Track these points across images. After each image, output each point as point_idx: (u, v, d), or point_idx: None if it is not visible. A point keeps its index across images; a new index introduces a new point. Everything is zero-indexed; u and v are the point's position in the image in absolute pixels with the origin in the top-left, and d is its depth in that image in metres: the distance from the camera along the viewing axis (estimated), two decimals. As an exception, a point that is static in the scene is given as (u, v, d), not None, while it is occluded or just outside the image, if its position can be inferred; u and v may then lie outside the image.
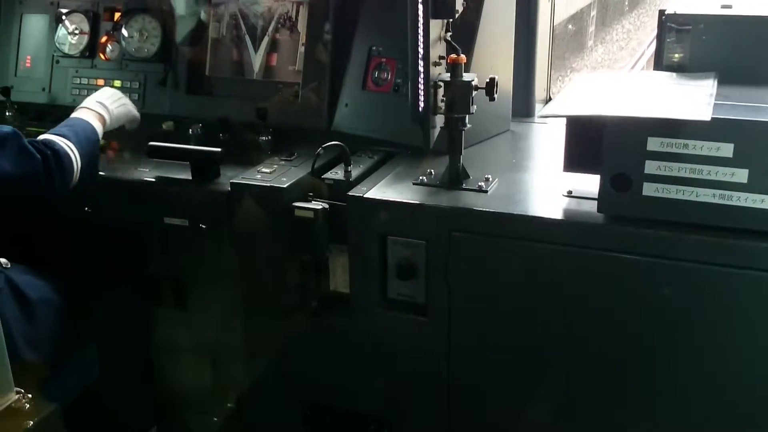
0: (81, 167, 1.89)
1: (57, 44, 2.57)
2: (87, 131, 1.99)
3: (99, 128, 2.05)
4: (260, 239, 1.94)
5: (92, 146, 1.98)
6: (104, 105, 2.11)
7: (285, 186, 1.87)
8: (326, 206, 1.85)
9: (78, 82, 2.54)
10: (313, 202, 1.86)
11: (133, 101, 2.28)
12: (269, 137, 2.18)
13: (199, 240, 2.01)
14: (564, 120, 1.71)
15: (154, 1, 2.45)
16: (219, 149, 1.98)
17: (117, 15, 2.51)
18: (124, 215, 2.10)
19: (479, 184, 1.81)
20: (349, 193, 1.82)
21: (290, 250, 1.90)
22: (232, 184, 1.92)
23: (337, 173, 1.92)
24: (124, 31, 2.48)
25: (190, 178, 2.00)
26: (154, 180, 2.03)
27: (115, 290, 2.14)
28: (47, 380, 1.76)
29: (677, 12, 1.75)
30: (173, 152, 2.05)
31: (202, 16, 2.41)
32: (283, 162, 2.01)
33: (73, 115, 2.06)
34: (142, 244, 2.12)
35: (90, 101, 2.11)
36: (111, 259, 2.14)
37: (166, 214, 2.02)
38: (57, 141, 1.87)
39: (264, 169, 1.96)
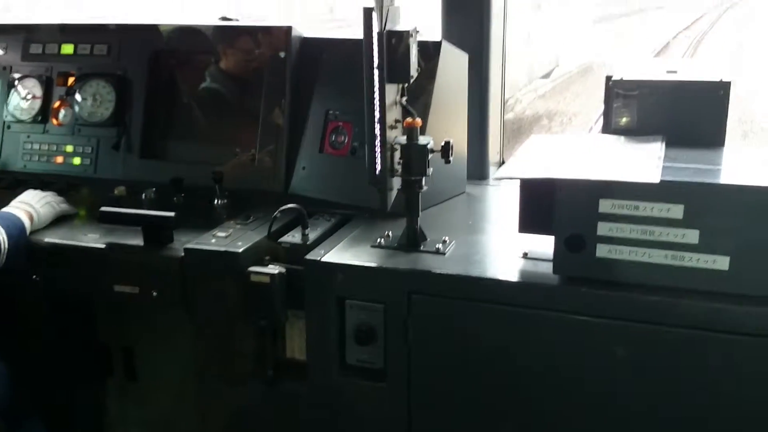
0: (8, 249, 1.87)
1: (9, 110, 2.53)
2: (13, 219, 1.98)
3: (27, 222, 2.02)
4: (214, 306, 1.90)
5: (19, 233, 1.96)
6: (29, 204, 2.08)
7: (240, 250, 1.84)
8: (283, 270, 1.82)
9: (29, 147, 2.49)
10: (269, 266, 1.83)
11: (85, 166, 2.24)
12: (225, 201, 2.16)
13: (150, 308, 1.95)
14: (518, 182, 1.73)
15: (108, 66, 2.44)
16: (172, 213, 1.95)
17: (71, 80, 2.49)
18: (73, 283, 2.03)
19: (437, 246, 1.81)
20: (307, 257, 1.80)
21: (246, 316, 1.86)
22: (185, 249, 1.88)
23: (294, 236, 1.91)
24: (78, 96, 2.45)
25: (143, 243, 1.96)
26: (104, 246, 1.98)
27: (64, 361, 2.06)
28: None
29: (624, 78, 1.81)
30: (125, 217, 2.00)
31: (157, 81, 2.41)
32: (238, 226, 1.99)
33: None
34: (92, 312, 2.05)
35: (13, 203, 2.08)
36: (59, 328, 2.07)
37: (116, 281, 1.96)
38: None
39: (219, 234, 1.93)
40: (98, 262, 1.97)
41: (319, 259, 1.78)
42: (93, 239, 2.01)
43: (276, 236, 1.91)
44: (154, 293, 1.94)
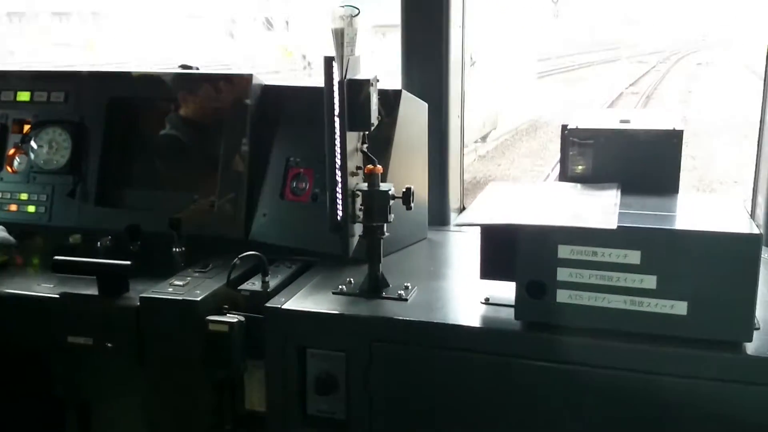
0: None
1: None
2: None
3: None
4: (172, 357, 1.85)
5: None
6: None
7: (198, 299, 1.81)
8: (242, 319, 1.79)
9: (-17, 195, 2.43)
10: (228, 315, 1.79)
11: (39, 214, 2.19)
12: (183, 248, 2.13)
13: (105, 360, 1.89)
14: (479, 228, 1.75)
15: (65, 113, 2.41)
16: (128, 262, 1.91)
17: (26, 127, 2.45)
18: (25, 334, 1.96)
19: (399, 292, 1.81)
20: (267, 305, 1.78)
21: (204, 367, 1.81)
22: (141, 298, 1.84)
23: (254, 284, 1.88)
24: (33, 144, 2.41)
25: (97, 293, 1.91)
26: (57, 296, 1.92)
27: (15, 416, 1.97)
28: None
29: (579, 127, 1.86)
30: (79, 266, 1.96)
31: (116, 127, 2.39)
32: (197, 274, 1.95)
33: None
34: (45, 365, 1.98)
35: None
36: (10, 381, 1.99)
37: (70, 332, 1.91)
38: None
39: (176, 282, 1.90)
40: (51, 313, 1.91)
41: (279, 306, 1.76)
42: (46, 289, 1.95)
43: (235, 284, 1.88)
44: (109, 345, 1.88)
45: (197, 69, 2.41)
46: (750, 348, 1.49)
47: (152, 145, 2.40)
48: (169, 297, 1.83)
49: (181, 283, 1.90)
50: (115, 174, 2.39)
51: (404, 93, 2.14)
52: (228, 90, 2.28)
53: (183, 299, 1.81)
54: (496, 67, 10.75)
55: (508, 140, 12.39)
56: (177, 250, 2.13)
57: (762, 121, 2.16)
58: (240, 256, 1.86)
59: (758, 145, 2.20)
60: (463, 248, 2.25)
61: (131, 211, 2.31)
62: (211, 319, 1.77)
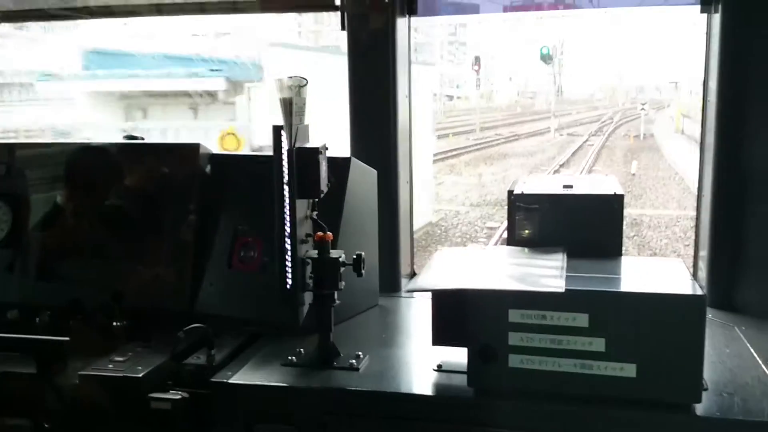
0: None
1: None
2: None
3: None
4: None
5: None
6: None
7: (140, 375, 1.74)
8: (186, 395, 1.72)
9: None
10: (171, 391, 1.73)
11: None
12: (125, 322, 2.05)
13: (41, 442, 1.79)
14: (430, 294, 1.74)
15: (5, 186, 2.35)
16: (66, 338, 1.84)
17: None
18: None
19: (350, 362, 1.78)
20: (213, 379, 1.73)
21: (146, 447, 1.73)
22: (80, 376, 1.77)
23: (199, 358, 1.83)
24: (-29, 216, 2.33)
25: (34, 371, 1.81)
26: (-10, 375, 1.82)
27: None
28: None
29: (524, 192, 1.90)
30: (14, 343, 1.87)
31: (58, 199, 2.33)
32: (139, 349, 1.89)
33: None
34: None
35: None
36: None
37: (5, 413, 1.82)
38: None
39: (117, 358, 1.83)
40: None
41: (226, 381, 1.71)
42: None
43: (179, 358, 1.82)
44: (47, 426, 1.79)
45: (142, 139, 2.39)
46: (699, 409, 1.50)
47: (97, 216, 2.35)
48: (110, 374, 1.76)
49: (122, 358, 1.83)
50: (57, 247, 2.32)
51: (353, 160, 2.16)
52: (175, 160, 2.26)
53: (124, 376, 1.74)
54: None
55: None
56: (118, 324, 2.06)
57: (700, 185, 2.24)
58: (185, 328, 1.81)
59: (697, 206, 2.28)
60: (414, 314, 2.24)
61: (73, 284, 2.23)
62: (153, 397, 1.71)
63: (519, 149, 20.18)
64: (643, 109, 26.35)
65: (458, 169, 16.50)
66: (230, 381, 1.71)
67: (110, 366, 1.79)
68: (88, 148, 2.38)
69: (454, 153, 18.20)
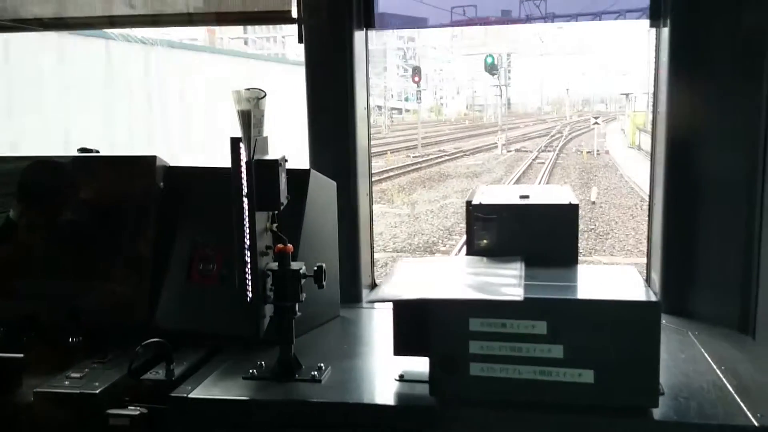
0: None
1: None
2: None
3: None
4: None
5: None
6: None
7: (97, 391, 1.71)
8: (145, 411, 1.69)
9: None
10: (130, 407, 1.70)
11: None
12: (81, 338, 2.01)
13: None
14: (391, 304, 1.75)
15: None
16: (20, 355, 1.79)
17: None
18: None
19: (312, 373, 1.78)
20: (172, 394, 1.71)
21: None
22: (35, 393, 1.72)
23: (157, 373, 1.80)
24: None
25: None
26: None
27: None
28: None
29: (482, 203, 1.93)
30: (-35, 362, 1.81)
31: (11, 214, 2.27)
32: (95, 365, 1.85)
33: None
34: None
35: None
36: None
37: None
38: None
39: (73, 374, 1.79)
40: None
41: (185, 395, 1.69)
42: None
43: (137, 373, 1.79)
44: (-3, 446, 1.74)
45: (97, 152, 2.35)
46: (657, 413, 1.53)
47: (51, 231, 2.29)
48: (66, 391, 1.72)
49: (78, 375, 1.79)
50: (9, 263, 2.25)
51: (313, 172, 2.16)
52: (130, 172, 2.23)
53: (80, 392, 1.71)
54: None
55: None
56: (75, 340, 2.01)
57: (651, 193, 2.30)
58: (143, 343, 1.78)
59: (649, 214, 2.34)
60: (376, 325, 2.24)
61: (27, 300, 2.18)
62: (111, 413, 1.68)
63: (462, 169, 18.51)
64: (597, 123, 25.68)
65: (390, 195, 14.51)
66: (190, 396, 1.69)
67: (66, 383, 1.75)
68: (41, 162, 2.33)
69: (388, 175, 16.43)
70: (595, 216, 11.94)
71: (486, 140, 25.77)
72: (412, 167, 18.14)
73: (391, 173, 16.79)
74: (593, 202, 13.16)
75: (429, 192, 14.99)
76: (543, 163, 19.16)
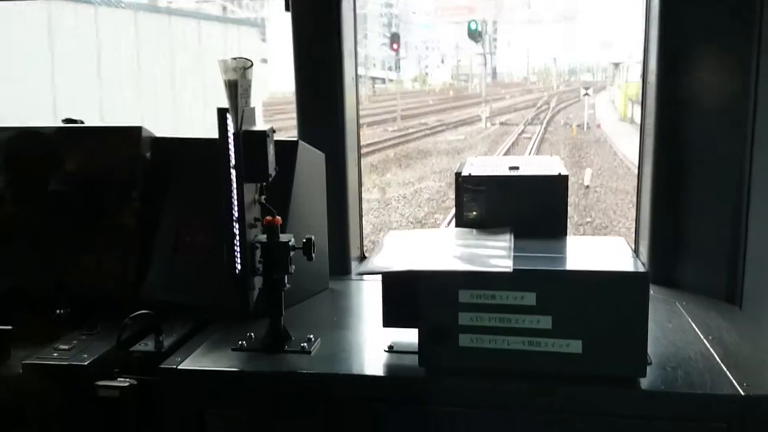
0: None
1: None
2: None
3: None
4: (59, 426, 1.72)
5: None
6: None
7: (86, 363, 1.71)
8: (134, 382, 1.69)
9: None
10: (119, 379, 1.70)
11: None
12: (69, 310, 2.00)
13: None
14: (380, 276, 1.75)
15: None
16: (8, 327, 1.78)
17: None
18: None
19: (302, 345, 1.78)
20: (161, 366, 1.70)
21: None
22: (24, 365, 1.72)
23: (146, 344, 1.80)
24: None
25: None
26: (-75, 368, 1.75)
27: None
28: None
29: (472, 174, 1.92)
30: (-49, 334, 1.80)
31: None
32: (84, 336, 1.85)
33: None
34: None
35: None
36: None
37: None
38: None
39: (62, 346, 1.79)
40: None
41: (175, 367, 1.69)
42: None
43: (126, 345, 1.78)
44: (-13, 418, 1.73)
45: (82, 122, 2.31)
46: (644, 383, 1.55)
47: (37, 202, 2.27)
48: (54, 362, 1.72)
49: (66, 347, 1.78)
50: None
51: (301, 143, 2.14)
52: (116, 143, 2.20)
53: (69, 364, 1.71)
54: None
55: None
56: (62, 311, 2.00)
57: (640, 163, 2.30)
58: (131, 315, 1.77)
59: (638, 185, 2.34)
60: (365, 297, 2.25)
61: (14, 271, 2.16)
62: (100, 384, 1.68)
63: (443, 145, 17.14)
64: (587, 94, 24.66)
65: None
66: (179, 367, 1.69)
67: (55, 354, 1.75)
68: (26, 132, 2.30)
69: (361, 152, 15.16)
70: (590, 204, 10.50)
71: (470, 112, 24.84)
72: (388, 143, 16.93)
73: (365, 149, 14.77)
74: (587, 186, 11.61)
75: (404, 172, 13.71)
76: (530, 138, 18.50)
